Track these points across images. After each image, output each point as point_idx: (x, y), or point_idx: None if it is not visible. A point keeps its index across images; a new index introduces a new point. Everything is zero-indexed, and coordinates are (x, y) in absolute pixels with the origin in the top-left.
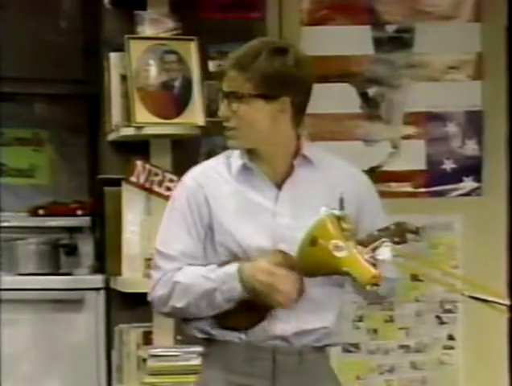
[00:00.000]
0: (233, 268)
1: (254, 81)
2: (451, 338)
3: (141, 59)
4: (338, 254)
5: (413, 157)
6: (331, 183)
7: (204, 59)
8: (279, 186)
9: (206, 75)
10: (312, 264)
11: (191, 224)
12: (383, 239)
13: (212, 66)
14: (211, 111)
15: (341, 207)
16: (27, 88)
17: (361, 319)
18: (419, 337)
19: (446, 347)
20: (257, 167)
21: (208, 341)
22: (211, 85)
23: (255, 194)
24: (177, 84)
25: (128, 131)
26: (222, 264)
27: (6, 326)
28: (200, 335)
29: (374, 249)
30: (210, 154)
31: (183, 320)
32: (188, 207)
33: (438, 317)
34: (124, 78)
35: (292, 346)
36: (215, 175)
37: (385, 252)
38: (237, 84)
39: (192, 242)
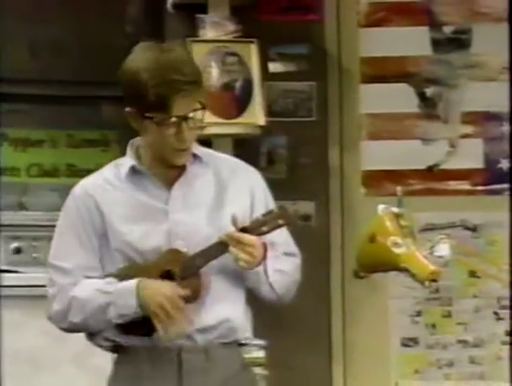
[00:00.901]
0: (131, 283)
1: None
2: (508, 333)
3: (203, 61)
4: (397, 250)
5: (471, 155)
6: (221, 178)
7: (263, 60)
8: (172, 184)
9: (266, 76)
10: (371, 260)
11: (83, 235)
12: (441, 236)
13: (271, 67)
14: (271, 111)
15: (399, 205)
16: (95, 91)
17: (419, 314)
18: (476, 332)
19: (504, 343)
20: (147, 170)
21: (116, 349)
22: (270, 86)
23: (146, 196)
24: (238, 84)
25: None
26: (121, 270)
27: None
28: (106, 344)
29: (434, 246)
30: (270, 154)
31: (87, 334)
32: (79, 218)
33: (495, 313)
34: None
35: (197, 345)
36: (103, 183)
37: (443, 248)
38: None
39: (86, 253)
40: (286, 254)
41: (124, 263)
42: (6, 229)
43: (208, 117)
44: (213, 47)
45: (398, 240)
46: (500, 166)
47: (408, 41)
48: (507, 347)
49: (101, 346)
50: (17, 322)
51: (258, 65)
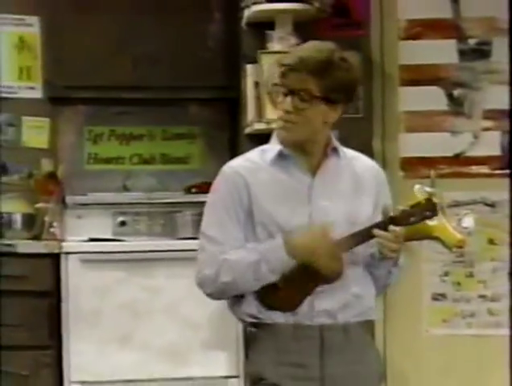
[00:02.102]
0: (278, 239)
1: (326, 87)
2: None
3: (270, 69)
4: (430, 223)
5: (490, 145)
6: (354, 171)
7: (356, 84)
8: (313, 172)
9: None
10: (408, 231)
11: (231, 209)
12: (465, 211)
13: None
14: None
15: (432, 186)
16: (184, 95)
17: (446, 274)
18: (494, 289)
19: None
20: (293, 156)
21: (257, 325)
22: None
23: (291, 179)
24: None
25: (260, 126)
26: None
27: (169, 278)
28: (248, 320)
29: (460, 219)
30: None
31: (232, 306)
32: (230, 194)
33: (510, 273)
34: (257, 84)
35: (337, 322)
36: (251, 165)
37: (468, 221)
38: (310, 86)
39: (233, 225)
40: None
41: (265, 238)
42: (113, 207)
43: (274, 113)
44: (280, 57)
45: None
46: None
47: (439, 51)
48: None
49: (243, 321)
50: (121, 280)
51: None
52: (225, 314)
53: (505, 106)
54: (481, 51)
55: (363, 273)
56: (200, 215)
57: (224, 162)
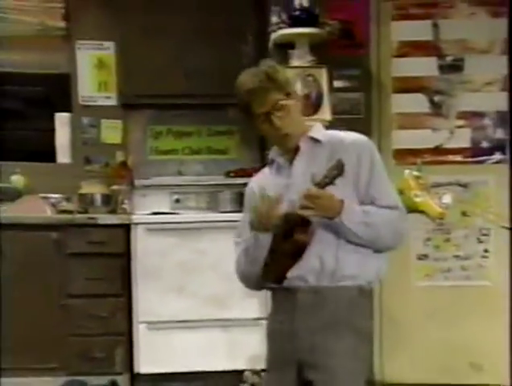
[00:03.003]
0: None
1: (278, 90)
2: (486, 251)
3: (292, 80)
4: (417, 199)
5: (462, 139)
6: (334, 152)
7: (330, 79)
8: (291, 161)
9: (332, 89)
10: (406, 208)
11: (248, 216)
12: (444, 190)
13: (335, 84)
14: (334, 111)
15: (418, 171)
16: (224, 100)
17: (429, 239)
18: (465, 250)
19: (483, 257)
20: (276, 157)
21: (271, 292)
22: (335, 95)
23: (278, 176)
24: (313, 94)
25: None
26: None
27: (213, 242)
28: (262, 289)
29: (440, 197)
30: None
31: (256, 284)
32: (247, 205)
33: (478, 238)
34: None
35: (309, 285)
36: (262, 176)
37: (447, 198)
38: (271, 98)
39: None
40: (386, 207)
41: None
42: (170, 188)
43: None
44: (298, 70)
45: (418, 192)
46: (481, 145)
47: (423, 66)
48: (484, 259)
49: (259, 290)
50: (176, 244)
51: (326, 82)
52: None
53: (475, 108)
54: (456, 66)
55: (345, 245)
56: (237, 194)
57: (255, 153)
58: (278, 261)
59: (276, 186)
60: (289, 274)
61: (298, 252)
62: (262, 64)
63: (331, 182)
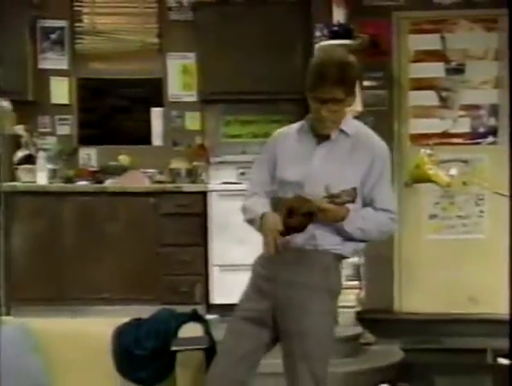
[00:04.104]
0: (262, 213)
1: (345, 90)
2: (481, 211)
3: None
4: (430, 172)
5: (463, 126)
6: (355, 146)
7: (361, 79)
8: (319, 144)
9: (362, 87)
10: (416, 177)
11: (265, 161)
12: (450, 166)
13: (365, 83)
14: (364, 104)
15: (431, 150)
16: (277, 96)
17: (437, 203)
18: (466, 211)
19: (479, 216)
20: (308, 131)
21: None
22: (364, 92)
23: (302, 147)
24: None
25: None
26: (273, 200)
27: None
28: None
29: (448, 170)
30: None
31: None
32: (267, 151)
33: (475, 202)
34: None
35: (292, 246)
36: (288, 130)
37: (453, 171)
38: (336, 94)
39: (265, 172)
40: (381, 209)
41: (277, 186)
42: (236, 164)
43: None
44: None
45: (430, 166)
46: (478, 130)
47: (433, 70)
48: (480, 219)
49: None
50: (229, 209)
51: (358, 82)
52: None
53: (473, 102)
54: (459, 70)
55: (331, 230)
56: None
57: None
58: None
59: (297, 150)
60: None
61: (297, 229)
62: (342, 53)
63: (341, 204)
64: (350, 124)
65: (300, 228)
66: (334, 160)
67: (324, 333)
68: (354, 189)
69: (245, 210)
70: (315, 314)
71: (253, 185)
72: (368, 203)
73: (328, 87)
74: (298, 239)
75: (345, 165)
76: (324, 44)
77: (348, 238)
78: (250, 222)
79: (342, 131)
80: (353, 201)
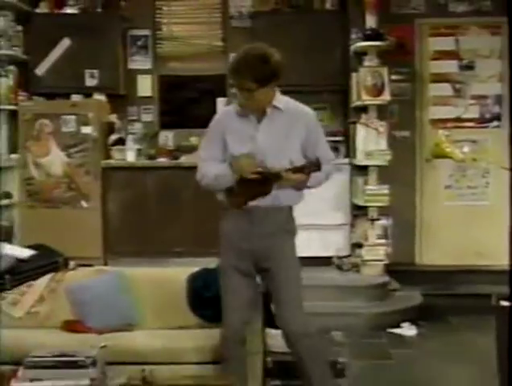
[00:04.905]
0: (228, 165)
1: (257, 82)
2: (487, 183)
3: (366, 75)
4: (447, 149)
5: (473, 112)
6: (291, 119)
7: (389, 74)
8: (259, 122)
9: (390, 80)
10: (435, 153)
11: (215, 140)
12: (463, 145)
13: (392, 77)
14: (391, 94)
15: (448, 132)
16: (321, 88)
17: (452, 175)
18: (474, 182)
19: (485, 187)
20: (249, 114)
21: (229, 209)
22: (392, 84)
23: (245, 126)
24: (379, 83)
25: (358, 102)
26: (231, 160)
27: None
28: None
29: (461, 147)
30: (391, 113)
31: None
32: (216, 131)
33: (482, 175)
34: (358, 83)
35: (260, 206)
36: (229, 113)
37: (465, 148)
38: (247, 85)
39: (216, 149)
40: (326, 161)
41: (229, 158)
42: None
43: (367, 97)
44: (370, 69)
45: (447, 145)
46: (485, 116)
47: (448, 66)
48: (486, 189)
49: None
50: None
51: (387, 76)
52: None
53: (481, 93)
54: (470, 66)
55: (290, 190)
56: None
57: (339, 121)
58: (242, 196)
59: (242, 130)
60: (249, 204)
61: (261, 194)
62: (259, 50)
63: (308, 173)
64: (281, 100)
65: (267, 193)
66: (275, 133)
67: (296, 261)
68: (317, 159)
69: (204, 175)
70: (289, 251)
71: (205, 154)
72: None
73: (240, 79)
74: (262, 202)
75: (286, 136)
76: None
77: (304, 189)
78: (216, 180)
79: (275, 107)
80: (319, 169)
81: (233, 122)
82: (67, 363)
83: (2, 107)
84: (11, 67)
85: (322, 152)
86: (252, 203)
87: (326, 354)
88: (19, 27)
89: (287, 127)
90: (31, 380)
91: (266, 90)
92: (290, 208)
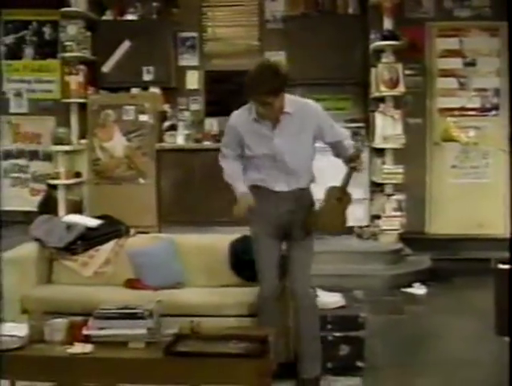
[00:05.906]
0: (240, 190)
1: (273, 96)
2: (487, 163)
3: (384, 70)
4: (454, 133)
5: (475, 102)
6: (301, 117)
7: (403, 69)
8: (274, 127)
9: (404, 74)
10: (444, 137)
11: (233, 138)
12: (469, 130)
13: (406, 72)
14: (405, 86)
15: (455, 120)
16: (344, 81)
17: (457, 157)
18: (476, 163)
19: (485, 167)
20: (264, 120)
21: (256, 189)
22: (406, 78)
23: (263, 129)
24: (394, 77)
25: (376, 94)
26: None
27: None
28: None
29: (467, 132)
30: (406, 103)
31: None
32: (232, 134)
33: (483, 156)
34: (376, 77)
35: (285, 190)
36: (244, 117)
37: (470, 132)
38: (266, 99)
39: (234, 145)
40: (345, 139)
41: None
42: None
43: (384, 89)
44: (387, 65)
45: (454, 130)
46: (485, 106)
47: (454, 63)
48: (487, 169)
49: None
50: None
51: (401, 71)
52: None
53: (482, 86)
54: (472, 63)
55: (307, 174)
56: (350, 131)
57: (360, 110)
58: (333, 218)
59: (260, 132)
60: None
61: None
62: (271, 69)
63: (358, 157)
64: (289, 104)
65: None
66: (289, 135)
67: (311, 233)
68: (350, 171)
69: (226, 174)
70: (305, 225)
71: (226, 148)
72: (335, 143)
73: (258, 95)
74: (291, 185)
75: (298, 135)
76: (262, 58)
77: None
78: (230, 184)
79: (286, 112)
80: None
81: (250, 126)
82: (128, 315)
83: (74, 100)
84: (81, 67)
85: (338, 134)
86: (279, 188)
87: (319, 323)
88: (88, 33)
89: (299, 127)
90: (99, 329)
91: (280, 98)
92: (308, 188)
